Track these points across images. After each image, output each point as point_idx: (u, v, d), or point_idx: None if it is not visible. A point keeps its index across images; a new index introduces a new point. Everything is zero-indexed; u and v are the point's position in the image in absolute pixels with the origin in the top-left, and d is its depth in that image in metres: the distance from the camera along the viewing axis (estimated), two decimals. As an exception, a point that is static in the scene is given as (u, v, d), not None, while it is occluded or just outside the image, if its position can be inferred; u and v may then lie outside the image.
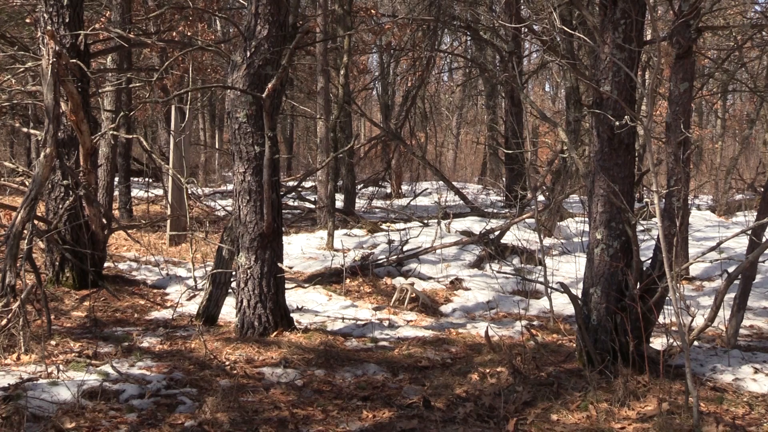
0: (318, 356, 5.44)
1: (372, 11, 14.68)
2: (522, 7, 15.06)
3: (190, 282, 8.12)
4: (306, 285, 7.96)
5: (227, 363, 5.22)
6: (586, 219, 7.27)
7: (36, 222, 6.32)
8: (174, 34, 11.85)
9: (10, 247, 5.49)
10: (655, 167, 4.29)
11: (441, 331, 6.56)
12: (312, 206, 13.90)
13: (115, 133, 8.58)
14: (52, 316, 5.91)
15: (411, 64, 17.34)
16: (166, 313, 7.01)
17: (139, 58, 14.67)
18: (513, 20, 13.45)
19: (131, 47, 10.26)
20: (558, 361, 5.27)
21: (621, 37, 4.84)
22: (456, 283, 8.49)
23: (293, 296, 7.46)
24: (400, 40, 16.06)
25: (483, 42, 17.26)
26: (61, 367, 4.75)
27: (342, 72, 12.38)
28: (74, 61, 6.90)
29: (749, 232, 5.23)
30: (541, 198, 12.21)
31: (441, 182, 16.12)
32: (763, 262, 6.04)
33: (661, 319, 5.11)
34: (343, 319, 6.92)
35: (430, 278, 8.71)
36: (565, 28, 5.90)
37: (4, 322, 5.12)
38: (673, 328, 5.80)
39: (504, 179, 17.12)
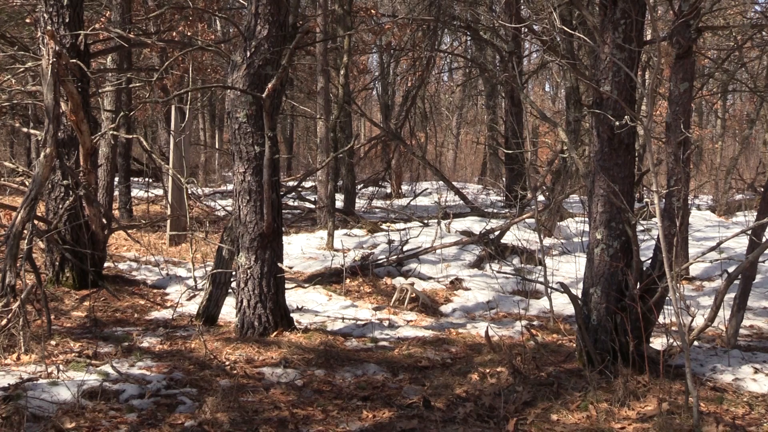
0: (318, 356, 5.44)
1: (372, 11, 14.68)
2: (522, 7, 15.07)
3: (190, 282, 8.12)
4: (306, 285, 7.96)
5: (227, 363, 5.22)
6: (586, 219, 7.27)
7: (36, 222, 6.32)
8: (174, 34, 11.85)
9: (10, 247, 5.49)
10: (655, 167, 4.29)
11: (441, 331, 6.56)
12: (312, 206, 13.90)
13: (115, 133, 8.59)
14: (52, 316, 5.91)
15: (411, 64, 17.34)
16: (166, 313, 7.02)
17: (139, 58, 14.67)
18: (513, 20, 13.45)
19: (131, 47, 10.26)
20: (558, 361, 5.26)
21: (621, 37, 4.84)
22: (456, 283, 8.49)
23: (293, 296, 7.46)
24: (400, 40, 16.06)
25: (483, 42, 17.26)
26: (61, 367, 4.75)
27: (342, 72, 12.39)
28: (74, 61, 6.90)
29: (749, 232, 5.23)
30: (541, 198, 12.22)
31: (441, 182, 16.12)
32: (763, 262, 6.05)
33: (661, 319, 5.11)
34: (343, 319, 6.92)
35: (430, 278, 8.72)
36: (565, 28, 5.90)
37: (4, 322, 5.12)
38: (673, 328, 5.80)
39: (504, 179, 17.12)
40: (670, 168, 4.83)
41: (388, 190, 18.84)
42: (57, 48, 5.98)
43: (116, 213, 12.60)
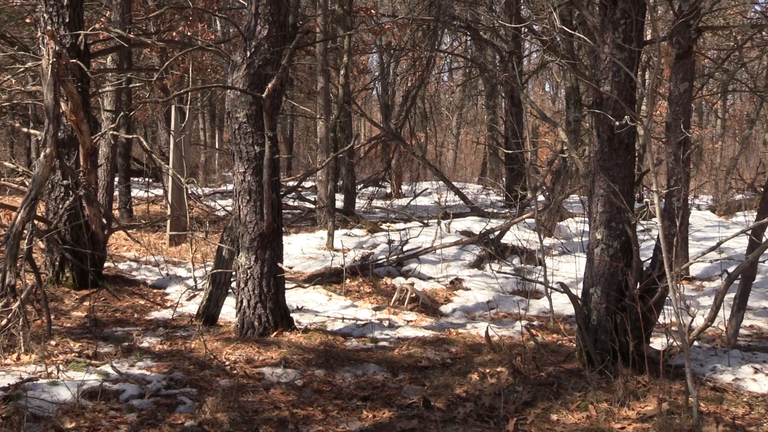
0: (318, 356, 5.44)
1: (372, 11, 14.68)
2: (522, 7, 15.07)
3: (190, 282, 8.12)
4: (306, 285, 7.96)
5: (227, 363, 5.22)
6: (586, 219, 7.27)
7: (36, 222, 6.32)
8: (174, 34, 11.85)
9: (10, 247, 5.49)
10: (655, 167, 4.29)
11: (441, 331, 6.56)
12: (312, 206, 13.90)
13: (115, 133, 8.59)
14: (52, 316, 5.91)
15: (411, 64, 17.34)
16: (166, 313, 7.02)
17: (139, 58, 14.67)
18: (513, 20, 13.45)
19: (131, 47, 10.26)
20: (558, 361, 5.27)
21: (621, 37, 4.84)
22: (456, 283, 8.49)
23: (293, 296, 7.46)
24: (400, 40, 16.06)
25: (483, 42, 17.26)
26: (61, 367, 4.75)
27: (342, 72, 12.38)
28: (74, 61, 6.90)
29: (749, 232, 5.23)
30: (541, 198, 12.21)
31: (441, 182, 16.12)
32: (763, 262, 6.05)
33: (661, 319, 5.11)
34: (343, 319, 6.92)
35: (430, 278, 8.72)
36: (565, 28, 5.90)
37: (4, 322, 5.12)
38: (673, 328, 5.80)
39: (504, 179, 17.12)
40: (670, 168, 4.83)
41: (388, 190, 18.84)
42: (57, 48, 5.98)
43: (116, 213, 12.61)
